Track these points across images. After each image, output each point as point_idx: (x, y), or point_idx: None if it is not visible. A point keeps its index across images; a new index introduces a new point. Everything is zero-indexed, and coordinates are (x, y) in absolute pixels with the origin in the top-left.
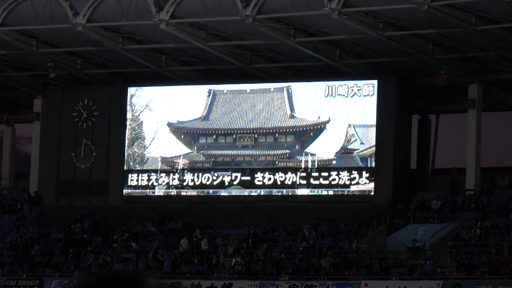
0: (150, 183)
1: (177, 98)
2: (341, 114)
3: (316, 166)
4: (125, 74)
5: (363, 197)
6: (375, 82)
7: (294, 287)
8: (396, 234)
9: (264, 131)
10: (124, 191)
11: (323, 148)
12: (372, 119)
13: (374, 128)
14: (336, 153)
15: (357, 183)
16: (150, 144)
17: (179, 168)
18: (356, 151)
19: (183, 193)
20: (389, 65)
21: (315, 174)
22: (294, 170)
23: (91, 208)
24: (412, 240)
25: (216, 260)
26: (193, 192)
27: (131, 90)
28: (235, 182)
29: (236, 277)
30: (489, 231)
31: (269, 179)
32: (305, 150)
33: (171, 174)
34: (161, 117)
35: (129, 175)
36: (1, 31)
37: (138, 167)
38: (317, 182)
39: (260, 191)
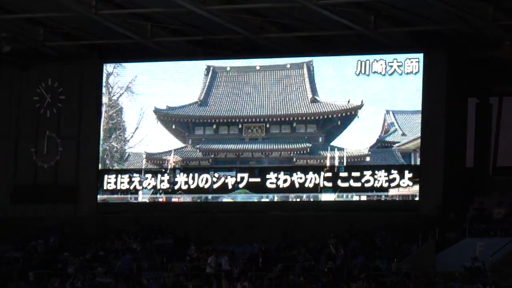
0: (132, 187)
1: (166, 78)
2: (377, 97)
3: (345, 164)
4: (100, 47)
5: (405, 204)
6: (420, 56)
7: None
8: (447, 252)
9: (278, 119)
10: (99, 197)
11: (354, 141)
12: (417, 104)
13: (419, 115)
14: (371, 147)
15: (398, 186)
16: (132, 137)
17: (170, 167)
18: (397, 145)
19: (174, 200)
20: (439, 35)
21: (343, 174)
22: (317, 170)
23: (57, 218)
24: (471, 259)
25: (217, 285)
26: (187, 198)
27: (108, 68)
28: (241, 185)
29: None
30: None
31: (285, 181)
32: (331, 144)
33: (159, 175)
34: (146, 102)
35: (105, 176)
36: None
37: (116, 166)
38: (346, 184)
39: (273, 197)
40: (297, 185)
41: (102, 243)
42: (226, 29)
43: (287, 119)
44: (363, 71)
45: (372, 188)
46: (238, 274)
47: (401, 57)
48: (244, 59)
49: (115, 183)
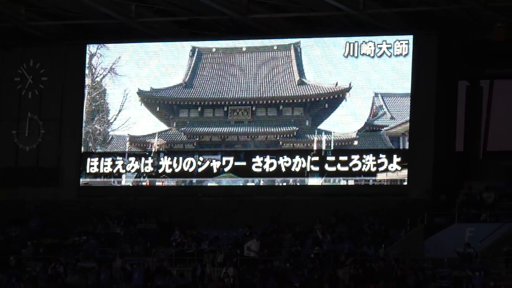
0: (115, 170)
1: (151, 59)
2: (366, 79)
3: (332, 147)
4: (83, 27)
5: (393, 189)
6: (410, 38)
7: None
8: (436, 237)
9: (265, 101)
10: (81, 180)
11: (342, 125)
12: (406, 87)
13: (409, 98)
14: (359, 130)
15: (386, 170)
16: (115, 119)
17: (153, 150)
18: (385, 128)
19: (158, 183)
20: (429, 16)
21: (331, 158)
22: (304, 153)
23: (38, 202)
24: (464, 245)
25: (201, 271)
26: (172, 182)
27: (91, 48)
28: (226, 169)
29: None
30: None
31: (271, 164)
32: (318, 127)
33: (143, 159)
34: (130, 84)
35: (88, 159)
36: None
37: (99, 149)
38: (333, 168)
39: (259, 181)
40: (283, 169)
41: (85, 227)
42: (212, 9)
43: (273, 101)
44: (351, 53)
45: (360, 173)
46: (222, 259)
47: (391, 38)
48: (230, 40)
49: (98, 166)
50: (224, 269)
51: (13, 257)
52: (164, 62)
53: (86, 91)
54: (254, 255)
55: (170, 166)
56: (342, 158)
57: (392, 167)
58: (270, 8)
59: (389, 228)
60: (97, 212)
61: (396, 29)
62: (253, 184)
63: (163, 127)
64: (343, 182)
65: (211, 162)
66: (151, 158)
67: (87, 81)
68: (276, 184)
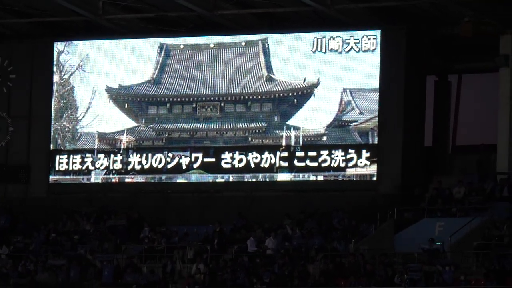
0: (84, 167)
1: (119, 56)
2: (334, 75)
3: (301, 143)
4: (51, 24)
5: (363, 184)
6: (378, 33)
7: None
8: (406, 232)
9: (233, 97)
10: (51, 177)
11: (310, 120)
12: (375, 82)
13: (377, 94)
14: (328, 126)
15: (355, 166)
16: (84, 116)
17: (123, 147)
18: (354, 124)
19: (127, 180)
20: (397, 11)
21: (300, 154)
22: (273, 149)
23: (7, 199)
24: (428, 240)
25: (171, 267)
26: (141, 179)
27: (59, 46)
28: (195, 165)
29: None
30: None
31: (240, 160)
32: (287, 123)
33: (112, 155)
34: (98, 81)
35: (57, 156)
36: None
37: (68, 146)
38: (302, 164)
39: (228, 177)
40: (252, 165)
41: (55, 225)
42: (179, 6)
43: (242, 97)
44: (319, 49)
45: (329, 168)
46: (192, 255)
47: (358, 34)
48: (198, 36)
49: (67, 163)
50: (194, 266)
51: None
52: (132, 59)
53: (55, 88)
54: (271, 252)
55: (139, 163)
56: (311, 153)
57: (361, 162)
58: (237, 4)
59: (359, 223)
60: (67, 209)
61: (364, 24)
62: (222, 180)
63: (132, 123)
64: (312, 178)
65: (180, 158)
66: (120, 155)
67: (55, 78)
68: (246, 180)
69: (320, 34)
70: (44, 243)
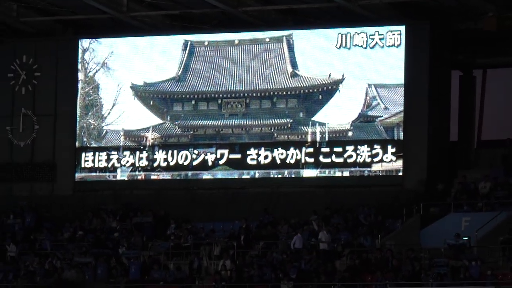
0: (110, 165)
1: (144, 53)
2: (359, 70)
3: (326, 139)
4: (76, 22)
5: (388, 179)
6: (402, 28)
7: None
8: (432, 227)
9: (258, 94)
10: (77, 175)
11: (336, 116)
12: (399, 77)
13: (402, 89)
14: (353, 121)
15: (381, 161)
16: (109, 114)
17: (148, 144)
18: (379, 119)
19: (153, 177)
20: (421, 6)
21: (325, 149)
22: (299, 145)
23: (34, 197)
24: (454, 235)
25: (198, 264)
26: (167, 176)
27: (84, 43)
28: (221, 162)
29: (224, 286)
30: None
31: (266, 157)
32: (312, 119)
33: (138, 153)
34: (123, 78)
35: (83, 154)
36: None
37: (94, 144)
38: (328, 160)
39: (254, 173)
40: (278, 161)
41: (81, 222)
42: (203, 2)
43: (267, 94)
44: (344, 44)
45: (355, 164)
46: (219, 252)
47: (383, 29)
48: (223, 33)
49: (93, 161)
50: (221, 262)
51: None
52: (156, 56)
53: (80, 86)
54: (324, 246)
55: (165, 160)
56: (336, 149)
57: (387, 158)
58: (261, 1)
59: (385, 218)
60: (93, 206)
61: (388, 19)
62: (248, 176)
63: (157, 120)
64: (338, 174)
65: (206, 155)
66: (146, 152)
67: (80, 76)
68: (271, 176)
69: (344, 30)
70: (71, 241)
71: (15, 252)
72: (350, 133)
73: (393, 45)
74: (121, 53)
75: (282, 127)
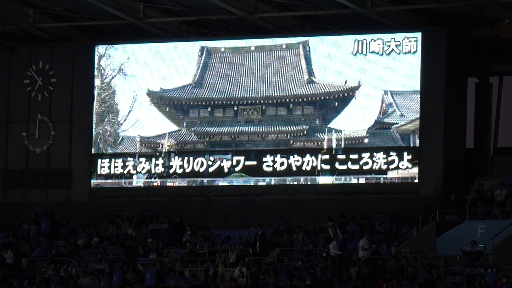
0: (126, 171)
1: (160, 59)
2: (375, 77)
3: (342, 146)
4: (92, 28)
5: (404, 186)
6: (418, 35)
7: None
8: (448, 234)
9: (274, 101)
10: (92, 181)
11: (352, 123)
12: (416, 84)
13: (418, 96)
14: (369, 128)
15: (397, 168)
16: (125, 120)
17: (164, 151)
18: (395, 126)
19: (169, 184)
20: (437, 13)
21: (341, 156)
22: (314, 152)
23: (49, 204)
24: (470, 243)
25: (214, 271)
26: (183, 182)
27: (100, 49)
28: (237, 169)
29: None
30: None
31: (282, 163)
32: (328, 126)
33: (154, 159)
34: (139, 84)
35: (99, 160)
36: None
37: (110, 150)
38: (344, 167)
39: (270, 180)
40: (294, 168)
41: (96, 229)
42: (219, 9)
43: (283, 100)
44: (360, 51)
45: (371, 171)
46: (235, 259)
47: (399, 36)
48: (239, 39)
49: (109, 167)
50: (236, 269)
51: (25, 259)
52: (173, 62)
53: (96, 92)
54: (364, 253)
55: (181, 167)
56: (352, 156)
57: (402, 165)
58: (277, 7)
59: (401, 226)
60: (108, 213)
61: (405, 26)
62: (264, 183)
63: (173, 127)
64: (354, 181)
65: (222, 161)
66: (162, 159)
67: (97, 82)
68: (287, 183)
69: (360, 37)
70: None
71: (11, 259)
72: (366, 140)
73: (410, 51)
74: (138, 59)
75: (298, 134)
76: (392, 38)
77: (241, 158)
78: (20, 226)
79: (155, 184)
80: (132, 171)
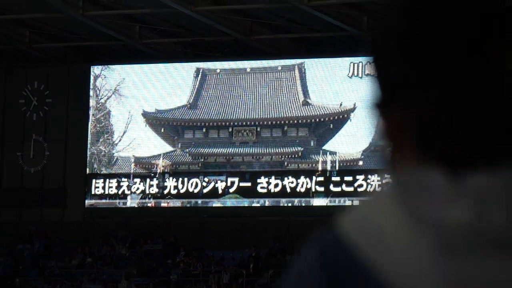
0: (120, 192)
1: (155, 80)
2: (370, 100)
3: (337, 168)
4: (88, 48)
5: None
6: None
7: None
8: None
9: (269, 122)
10: (87, 201)
11: (347, 145)
12: None
13: None
14: (364, 151)
15: None
16: (120, 141)
17: (158, 171)
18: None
19: (163, 204)
20: None
21: (336, 178)
22: (309, 174)
23: (44, 223)
24: None
25: None
26: (177, 203)
27: (95, 70)
28: (231, 190)
29: None
30: None
31: (276, 185)
32: (323, 148)
33: (148, 180)
34: (135, 105)
35: (93, 180)
36: None
37: (104, 171)
38: (338, 189)
39: (264, 201)
40: (288, 190)
41: (90, 249)
42: (215, 30)
43: (278, 122)
44: (355, 73)
45: (365, 193)
46: (228, 280)
47: None
48: (235, 61)
49: (103, 187)
50: None
51: (19, 279)
52: (168, 83)
53: (91, 112)
54: None
55: (175, 187)
56: (347, 178)
57: None
58: (273, 29)
59: None
60: (103, 233)
61: None
62: (258, 204)
63: (168, 148)
64: (348, 202)
65: (216, 183)
66: (156, 179)
67: (92, 102)
68: (281, 204)
69: (356, 59)
70: (80, 267)
71: None
72: (360, 162)
73: None
74: (133, 80)
75: (293, 156)
76: None
77: (236, 180)
78: (14, 245)
79: (149, 204)
80: (127, 192)
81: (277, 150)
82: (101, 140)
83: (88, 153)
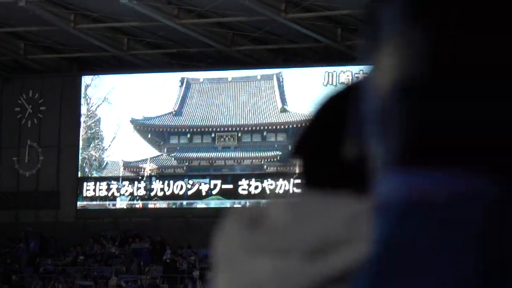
0: (110, 194)
1: (143, 89)
2: None
3: None
4: (79, 59)
5: None
6: None
7: None
8: None
9: (250, 128)
10: (78, 203)
11: None
12: None
13: None
14: None
15: None
16: (109, 146)
17: (146, 175)
18: None
19: (150, 206)
20: None
21: None
22: (287, 176)
23: (39, 224)
24: None
25: (192, 287)
26: (163, 204)
27: (86, 80)
28: (214, 192)
29: None
30: None
31: (256, 187)
32: None
33: (136, 183)
34: (123, 113)
35: (85, 183)
36: None
37: (95, 174)
38: None
39: (245, 202)
40: (268, 192)
41: (82, 247)
42: (199, 42)
43: (258, 128)
44: (330, 82)
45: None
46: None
47: (368, 68)
48: (217, 70)
49: (94, 190)
50: None
51: (15, 276)
52: (155, 92)
53: (82, 119)
54: None
55: (162, 189)
56: None
57: None
58: (253, 41)
59: None
60: (94, 233)
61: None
62: (239, 205)
63: (154, 152)
64: None
65: (200, 185)
66: (144, 182)
67: (83, 110)
68: (262, 205)
69: (331, 69)
70: (72, 264)
71: None
72: None
73: None
74: (122, 89)
75: (272, 160)
76: (360, 70)
77: (218, 182)
78: (11, 245)
79: (137, 206)
80: (116, 194)
81: (257, 154)
82: (92, 145)
83: (80, 157)
